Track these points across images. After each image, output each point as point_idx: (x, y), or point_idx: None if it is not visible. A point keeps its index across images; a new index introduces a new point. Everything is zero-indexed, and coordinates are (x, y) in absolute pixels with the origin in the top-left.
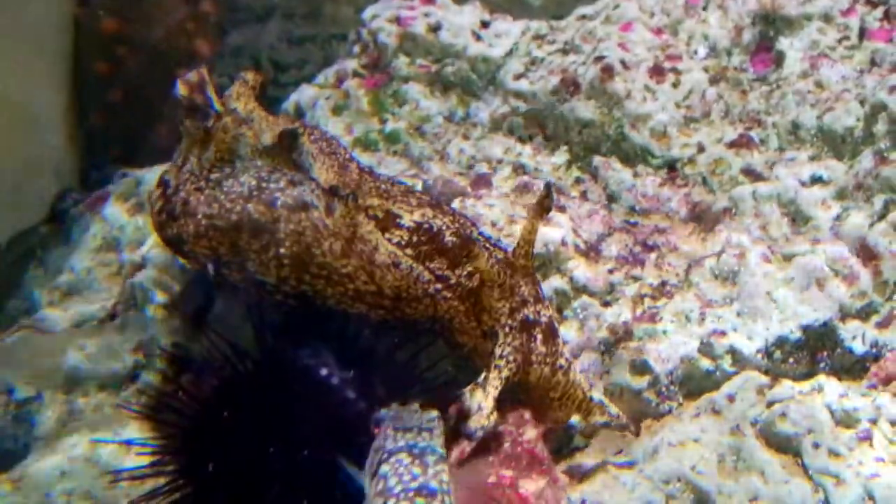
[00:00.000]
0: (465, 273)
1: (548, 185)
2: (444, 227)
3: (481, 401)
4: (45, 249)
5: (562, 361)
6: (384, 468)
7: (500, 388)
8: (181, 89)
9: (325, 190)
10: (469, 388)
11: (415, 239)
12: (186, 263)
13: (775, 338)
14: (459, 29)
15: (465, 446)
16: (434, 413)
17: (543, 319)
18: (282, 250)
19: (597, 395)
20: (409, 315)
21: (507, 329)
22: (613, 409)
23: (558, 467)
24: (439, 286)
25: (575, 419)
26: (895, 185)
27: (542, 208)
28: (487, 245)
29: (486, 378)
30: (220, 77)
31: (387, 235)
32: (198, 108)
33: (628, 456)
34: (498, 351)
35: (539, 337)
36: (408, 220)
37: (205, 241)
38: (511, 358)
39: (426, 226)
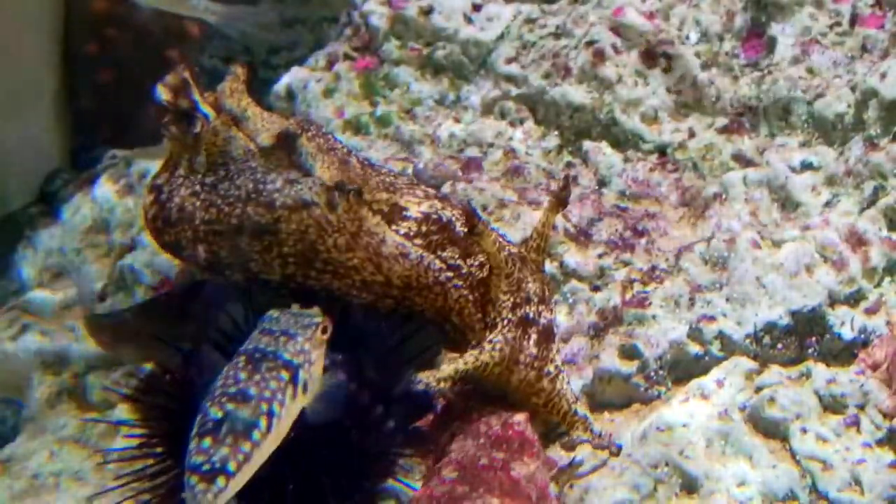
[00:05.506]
0: (476, 263)
1: (566, 178)
2: (453, 218)
3: (445, 365)
4: (35, 230)
5: (550, 368)
6: (225, 369)
7: (471, 367)
8: (163, 94)
9: (327, 186)
10: (448, 354)
11: (423, 229)
12: (183, 264)
13: (764, 323)
14: (451, 12)
15: (455, 429)
16: (314, 320)
17: (543, 321)
18: (285, 249)
19: (581, 409)
20: (419, 305)
21: (505, 322)
22: (596, 427)
23: (546, 451)
24: (450, 274)
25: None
26: (885, 171)
27: (559, 202)
28: (500, 240)
29: (465, 353)
30: (210, 58)
31: (393, 227)
32: (184, 113)
33: (617, 440)
34: (489, 336)
35: (533, 337)
36: (415, 211)
37: (204, 246)
38: (498, 347)
39: (435, 216)
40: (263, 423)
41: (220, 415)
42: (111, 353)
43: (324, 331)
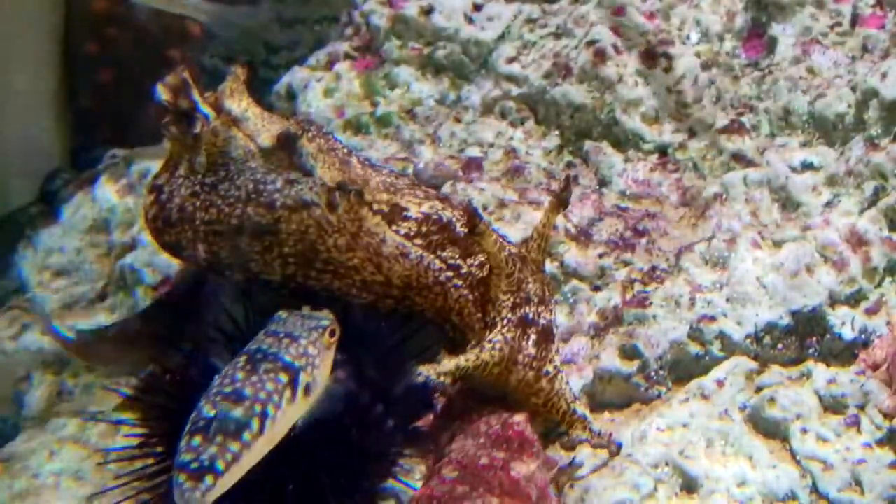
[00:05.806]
0: (476, 263)
1: (567, 178)
2: (454, 219)
3: (446, 361)
4: (35, 230)
5: (549, 368)
6: (225, 368)
7: (471, 365)
8: (163, 94)
9: (328, 186)
10: (447, 355)
11: (423, 229)
12: (183, 264)
13: (765, 323)
14: (452, 12)
15: (455, 429)
16: (321, 322)
17: (542, 322)
18: (285, 250)
19: (581, 408)
20: (419, 305)
21: (504, 321)
22: (595, 426)
23: (546, 451)
24: (450, 274)
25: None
26: (885, 171)
27: (560, 202)
28: (500, 240)
29: (466, 352)
30: (210, 58)
31: (394, 227)
32: (184, 113)
33: (617, 440)
34: (489, 336)
35: (532, 338)
36: (415, 211)
37: (204, 246)
38: (498, 347)
39: (435, 217)
40: (255, 424)
41: (212, 413)
42: (110, 366)
43: (331, 334)
